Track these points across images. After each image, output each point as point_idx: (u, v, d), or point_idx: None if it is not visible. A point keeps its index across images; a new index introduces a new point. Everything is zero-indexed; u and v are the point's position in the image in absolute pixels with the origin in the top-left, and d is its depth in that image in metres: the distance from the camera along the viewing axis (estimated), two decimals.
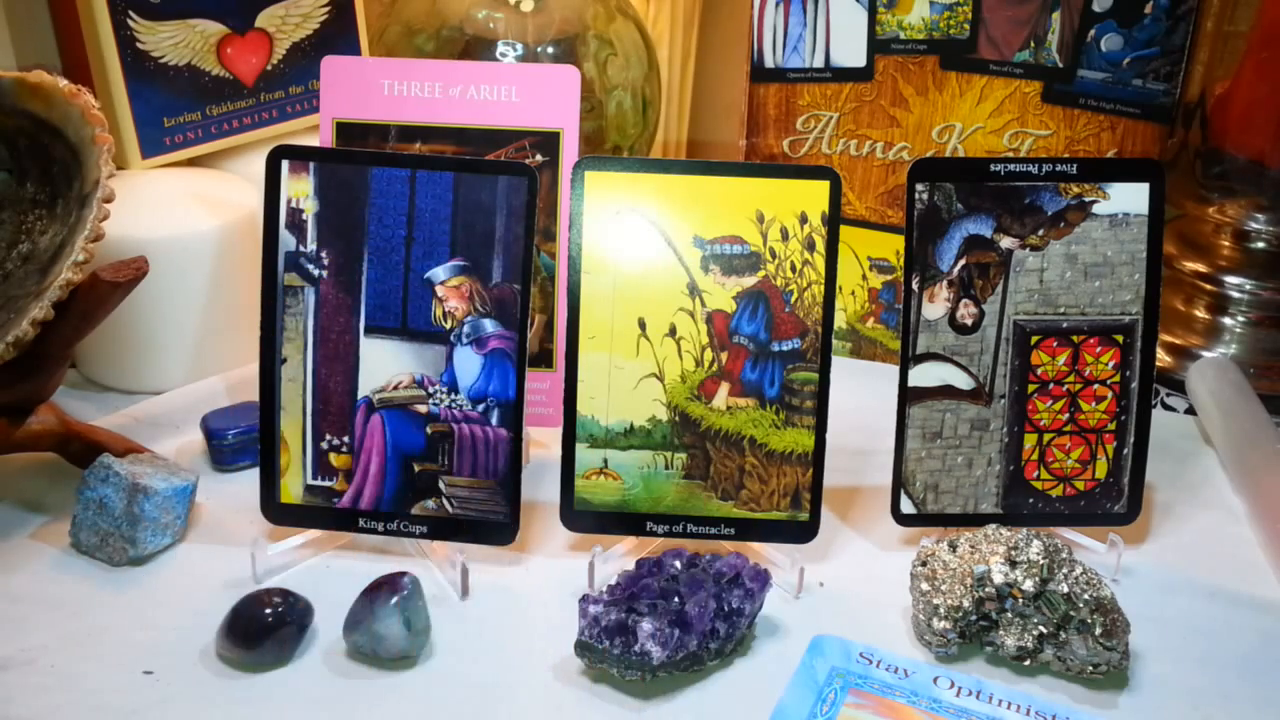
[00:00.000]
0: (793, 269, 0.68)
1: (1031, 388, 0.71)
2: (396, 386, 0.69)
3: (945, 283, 0.70)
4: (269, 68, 0.95)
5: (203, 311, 0.87)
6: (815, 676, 0.62)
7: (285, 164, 0.68)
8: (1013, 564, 0.63)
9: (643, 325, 0.68)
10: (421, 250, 0.68)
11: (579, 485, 0.69)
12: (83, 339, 0.72)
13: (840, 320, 0.96)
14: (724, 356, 0.69)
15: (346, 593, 0.63)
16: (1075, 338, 0.71)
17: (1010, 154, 0.90)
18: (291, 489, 0.69)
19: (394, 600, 0.61)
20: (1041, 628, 0.62)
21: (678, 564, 0.64)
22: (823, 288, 0.68)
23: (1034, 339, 0.71)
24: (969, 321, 0.70)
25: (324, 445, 0.69)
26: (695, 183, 0.68)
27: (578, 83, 0.78)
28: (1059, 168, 0.69)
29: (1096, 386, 0.71)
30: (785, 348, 0.69)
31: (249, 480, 0.72)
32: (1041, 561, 0.63)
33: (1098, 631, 0.61)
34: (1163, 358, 0.96)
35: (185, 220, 0.85)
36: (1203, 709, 0.61)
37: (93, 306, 0.70)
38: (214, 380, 0.88)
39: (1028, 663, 0.63)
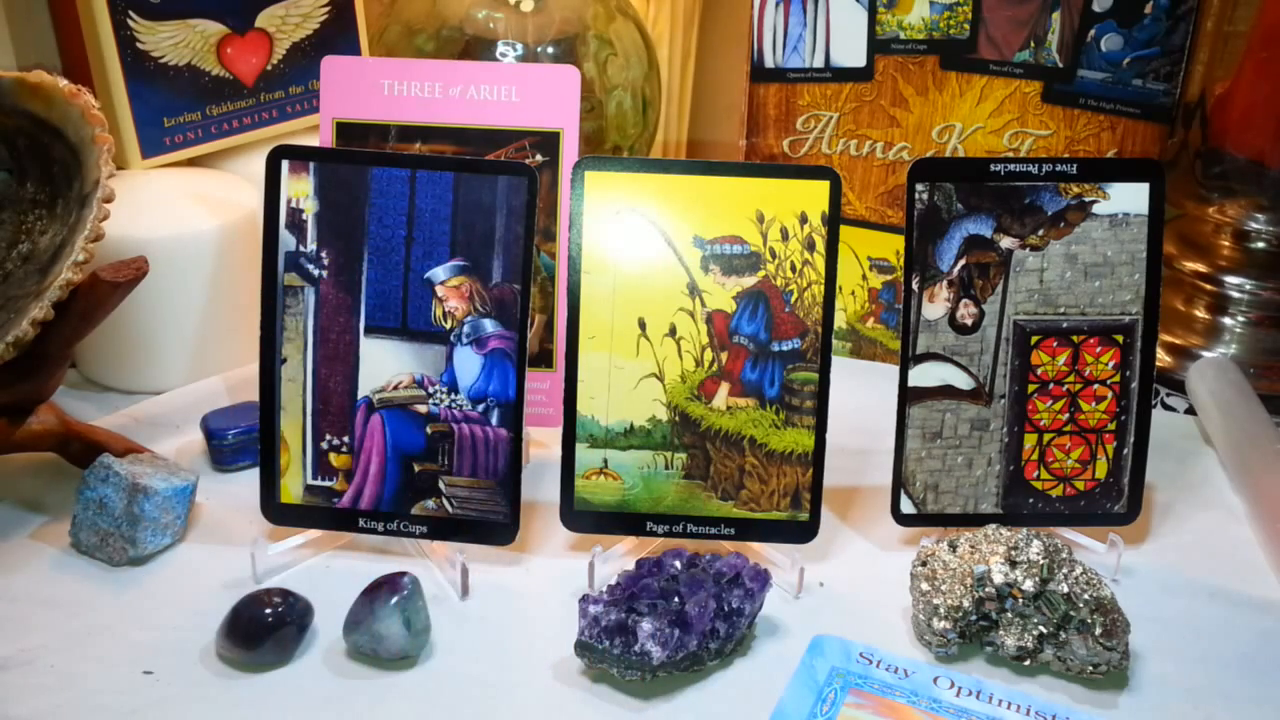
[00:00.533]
0: (793, 269, 0.68)
1: (1031, 388, 0.71)
2: (396, 386, 0.69)
3: (945, 283, 0.70)
4: (269, 68, 0.95)
5: (203, 311, 0.87)
6: (815, 676, 0.62)
7: (285, 164, 0.68)
8: (1013, 564, 0.63)
9: (643, 325, 0.68)
10: (421, 250, 0.68)
11: (579, 485, 0.69)
12: (83, 339, 0.72)
13: (840, 320, 0.96)
14: (724, 356, 0.69)
15: (346, 593, 0.63)
16: (1075, 338, 0.71)
17: (1010, 154, 0.90)
18: (291, 489, 0.69)
19: (394, 600, 0.61)
20: (1041, 628, 0.62)
21: (678, 564, 0.64)
22: (823, 288, 0.68)
23: (1034, 339, 0.71)
24: (969, 321, 0.70)
25: (324, 445, 0.69)
26: (695, 183, 0.68)
27: (578, 83, 0.78)
28: (1059, 168, 0.69)
29: (1096, 386, 0.71)
30: (785, 348, 0.69)
31: (249, 480, 0.72)
32: (1041, 561, 0.63)
33: (1098, 631, 0.61)
34: (1163, 358, 0.96)
35: (185, 220, 0.85)
36: (1203, 708, 0.61)
37: (93, 306, 0.70)
38: (214, 380, 0.88)
39: (1028, 663, 0.63)
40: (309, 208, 0.68)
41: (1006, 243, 0.70)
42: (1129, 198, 0.70)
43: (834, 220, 0.68)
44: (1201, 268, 0.97)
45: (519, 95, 0.78)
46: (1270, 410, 0.85)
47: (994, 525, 0.67)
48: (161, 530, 0.69)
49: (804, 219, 0.68)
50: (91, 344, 0.82)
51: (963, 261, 0.70)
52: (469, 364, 0.68)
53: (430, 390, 0.68)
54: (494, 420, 0.68)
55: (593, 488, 0.69)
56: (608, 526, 0.70)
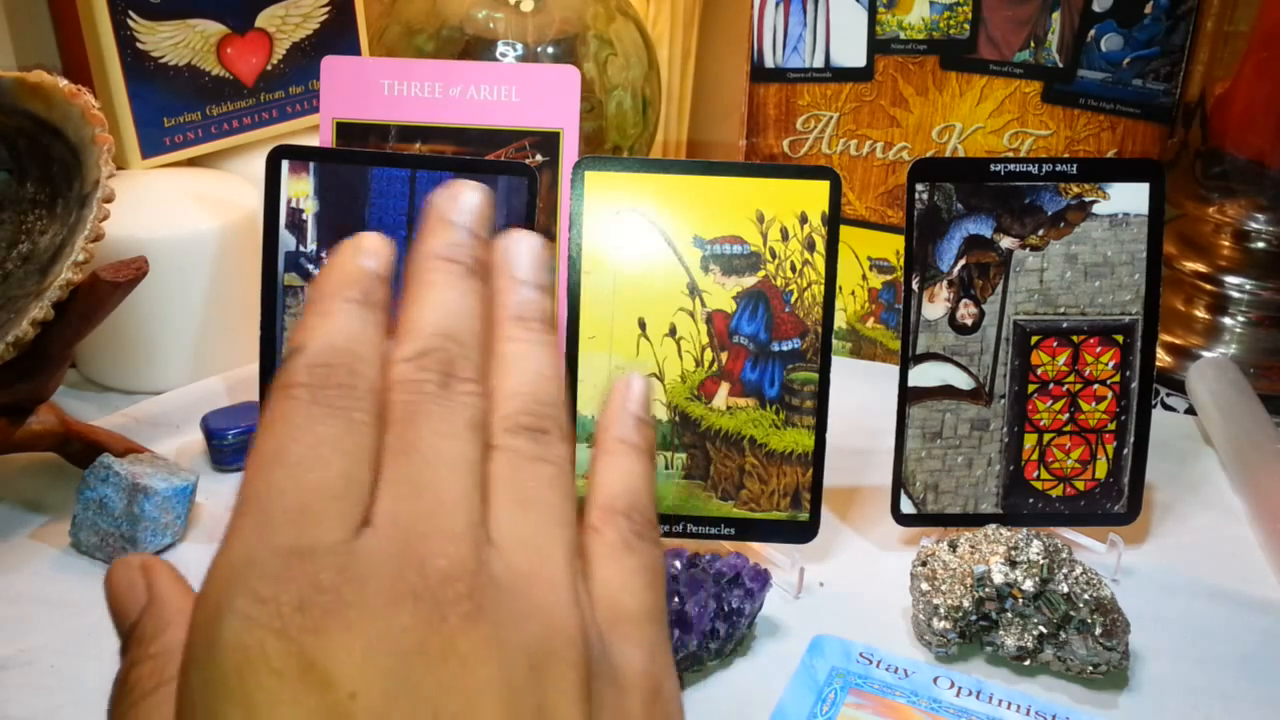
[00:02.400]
0: (793, 269, 0.68)
1: (1031, 388, 0.71)
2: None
3: (945, 283, 0.70)
4: (269, 68, 0.95)
5: (203, 311, 0.87)
6: (815, 676, 0.62)
7: (285, 164, 0.68)
8: (1013, 564, 0.63)
9: (643, 325, 0.68)
10: None
11: (579, 485, 0.69)
12: (83, 339, 0.72)
13: (840, 320, 0.96)
14: (724, 356, 0.69)
15: None
16: (1075, 338, 0.71)
17: (1010, 154, 0.90)
18: None
19: None
20: (1041, 628, 0.62)
21: (678, 564, 0.64)
22: (823, 288, 0.68)
23: (1034, 339, 0.71)
24: (969, 321, 0.70)
25: None
26: (695, 183, 0.68)
27: (578, 83, 0.78)
28: (1059, 168, 0.69)
29: (1096, 386, 0.71)
30: (785, 348, 0.69)
31: None
32: (1041, 561, 0.63)
33: (1098, 631, 0.61)
34: (1163, 358, 0.96)
35: (185, 220, 0.85)
36: (1203, 709, 0.61)
37: (93, 306, 0.70)
38: (214, 380, 0.88)
39: (1028, 663, 0.63)
40: (309, 208, 0.68)
41: (1006, 243, 0.70)
42: (1129, 198, 0.70)
43: (834, 220, 0.68)
44: (1201, 268, 0.97)
45: (519, 95, 0.78)
46: (1270, 410, 0.85)
47: (994, 525, 0.67)
48: (161, 530, 0.69)
49: (804, 219, 0.68)
50: (91, 344, 0.82)
51: (963, 261, 0.70)
52: None
53: None
54: None
55: None
56: None
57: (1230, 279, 0.96)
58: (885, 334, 0.96)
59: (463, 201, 0.31)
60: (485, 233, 0.31)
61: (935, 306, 0.70)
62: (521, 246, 0.32)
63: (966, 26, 0.88)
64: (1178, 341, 0.97)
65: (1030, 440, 0.71)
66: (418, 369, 0.28)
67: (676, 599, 0.61)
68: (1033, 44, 0.87)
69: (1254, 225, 0.95)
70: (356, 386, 0.28)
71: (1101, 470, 0.72)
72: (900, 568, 0.68)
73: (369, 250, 0.30)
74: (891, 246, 0.94)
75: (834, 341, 0.74)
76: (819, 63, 0.91)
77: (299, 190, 0.68)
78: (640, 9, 1.12)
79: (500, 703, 0.25)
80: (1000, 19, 0.87)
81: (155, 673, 0.31)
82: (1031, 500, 0.72)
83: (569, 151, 0.78)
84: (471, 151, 0.78)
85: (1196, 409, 0.89)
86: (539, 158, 0.79)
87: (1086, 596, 0.62)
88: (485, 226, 0.31)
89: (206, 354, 0.88)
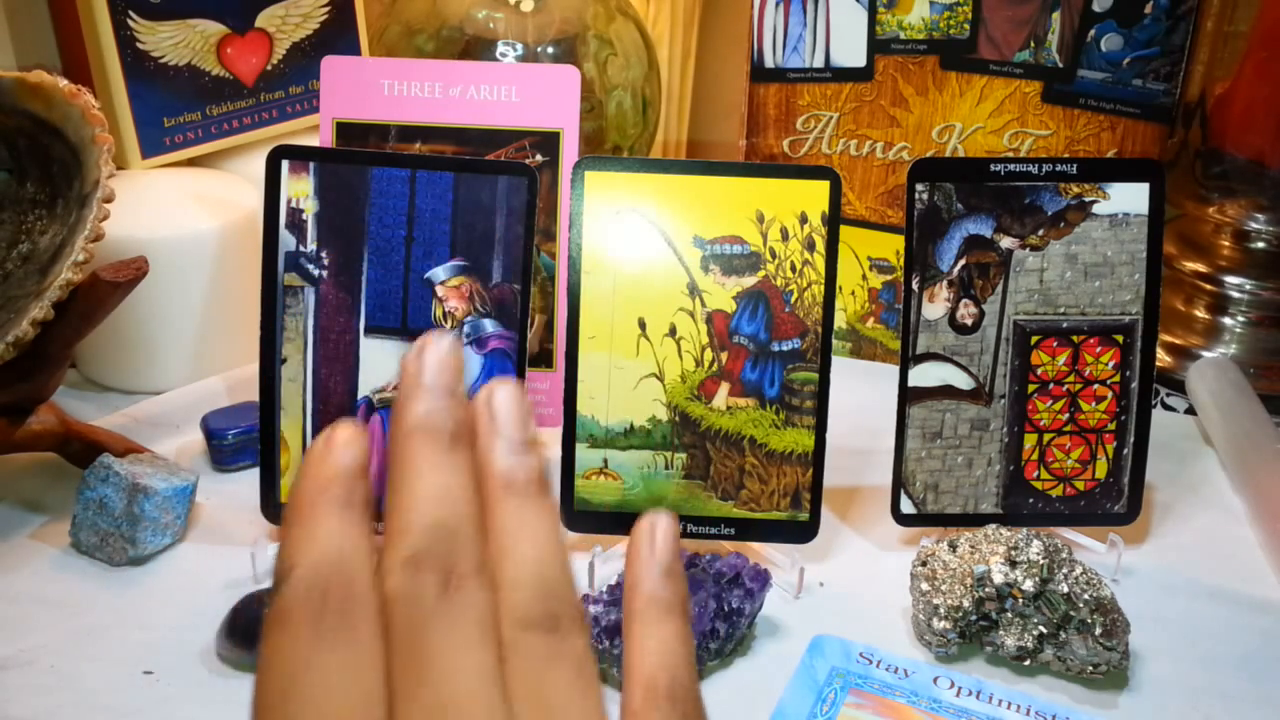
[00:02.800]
0: (793, 269, 0.68)
1: (1031, 388, 0.71)
2: (397, 387, 0.69)
3: (945, 283, 0.70)
4: (269, 68, 0.95)
5: (203, 311, 0.87)
6: (815, 676, 0.62)
7: (285, 164, 0.68)
8: (1013, 564, 0.63)
9: (643, 325, 0.68)
10: (421, 250, 0.68)
11: (579, 485, 0.69)
12: (83, 339, 0.72)
13: (840, 320, 0.96)
14: (724, 356, 0.69)
15: None
16: (1075, 338, 0.71)
17: (1010, 154, 0.90)
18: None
19: None
20: (1041, 628, 0.62)
21: None
22: (823, 288, 0.68)
23: (1034, 339, 0.71)
24: (969, 321, 0.70)
25: None
26: (695, 183, 0.68)
27: (578, 83, 0.78)
28: (1059, 168, 0.69)
29: (1096, 386, 0.71)
30: (785, 348, 0.69)
31: (249, 480, 0.72)
32: (1041, 561, 0.63)
33: (1098, 631, 0.61)
34: (1163, 358, 0.96)
35: (185, 220, 0.85)
36: (1203, 709, 0.61)
37: (93, 306, 0.70)
38: (214, 380, 0.88)
39: (1028, 663, 0.63)
40: (309, 208, 0.68)
41: (1006, 243, 0.70)
42: (1129, 198, 0.70)
43: (834, 220, 0.68)
44: (1201, 268, 0.97)
45: (519, 95, 0.78)
46: (1270, 410, 0.85)
47: (994, 525, 0.67)
48: (161, 530, 0.69)
49: (804, 219, 0.68)
50: (91, 344, 0.82)
51: (963, 261, 0.70)
52: (469, 364, 0.68)
53: None
54: None
55: (593, 488, 0.69)
56: (608, 526, 0.70)
57: (1230, 279, 0.96)
58: (885, 334, 0.96)
59: (431, 359, 0.30)
60: (459, 385, 0.31)
61: (935, 306, 0.70)
62: (500, 400, 0.31)
63: (966, 26, 0.88)
64: (1178, 341, 0.97)
65: (1030, 440, 0.71)
66: (414, 576, 0.28)
67: None
68: (1033, 44, 0.87)
69: (1254, 225, 0.95)
70: (354, 609, 0.27)
71: (1101, 470, 0.72)
72: (900, 568, 0.68)
73: (342, 443, 0.29)
74: (891, 246, 0.94)
75: (834, 341, 0.74)
76: (819, 63, 0.91)
77: (299, 190, 0.68)
78: (640, 9, 1.12)
79: None
80: (1000, 19, 0.87)
81: None
82: (1031, 500, 0.72)
83: (569, 151, 0.78)
84: (471, 151, 0.78)
85: (1196, 409, 0.89)
86: (539, 158, 0.79)
87: (1086, 596, 0.62)
88: (458, 379, 0.31)
89: (206, 354, 0.88)
